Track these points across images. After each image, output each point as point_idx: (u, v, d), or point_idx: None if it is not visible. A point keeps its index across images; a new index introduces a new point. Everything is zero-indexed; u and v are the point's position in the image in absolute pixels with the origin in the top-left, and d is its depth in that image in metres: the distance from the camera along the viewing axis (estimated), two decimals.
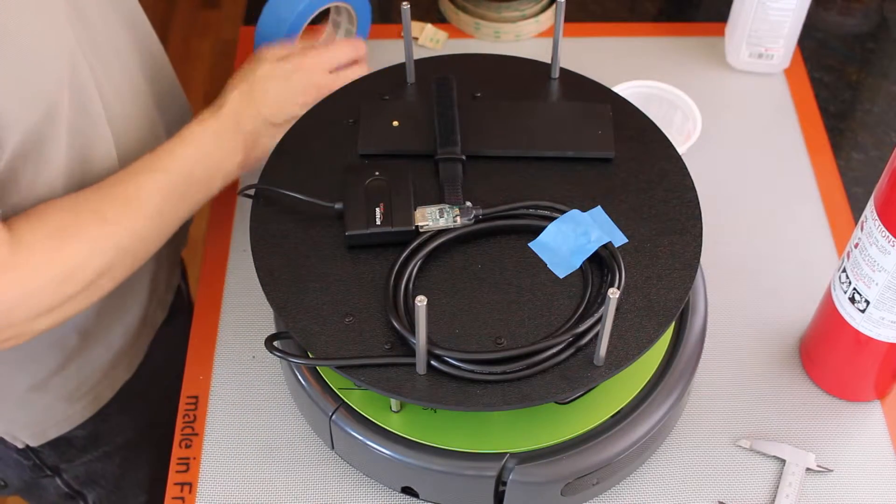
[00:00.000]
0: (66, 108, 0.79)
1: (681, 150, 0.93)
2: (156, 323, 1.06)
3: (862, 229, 0.80)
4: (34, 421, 0.99)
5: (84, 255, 0.78)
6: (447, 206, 0.81)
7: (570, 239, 0.80)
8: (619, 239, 0.81)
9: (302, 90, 0.93)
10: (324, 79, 0.95)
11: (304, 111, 0.91)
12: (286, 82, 0.93)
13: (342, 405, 0.81)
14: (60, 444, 1.02)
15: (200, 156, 0.86)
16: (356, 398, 0.81)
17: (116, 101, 0.87)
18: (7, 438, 1.00)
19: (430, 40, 1.20)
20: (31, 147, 0.78)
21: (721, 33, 1.20)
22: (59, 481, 1.08)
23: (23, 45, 0.73)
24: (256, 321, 0.96)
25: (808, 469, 0.86)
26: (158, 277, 1.04)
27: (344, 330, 0.77)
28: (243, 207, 1.05)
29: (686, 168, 0.86)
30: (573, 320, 0.76)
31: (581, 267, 0.79)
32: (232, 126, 0.88)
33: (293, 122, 0.90)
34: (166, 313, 1.08)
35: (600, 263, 0.80)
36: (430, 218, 0.80)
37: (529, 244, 0.81)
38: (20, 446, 1.00)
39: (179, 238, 1.09)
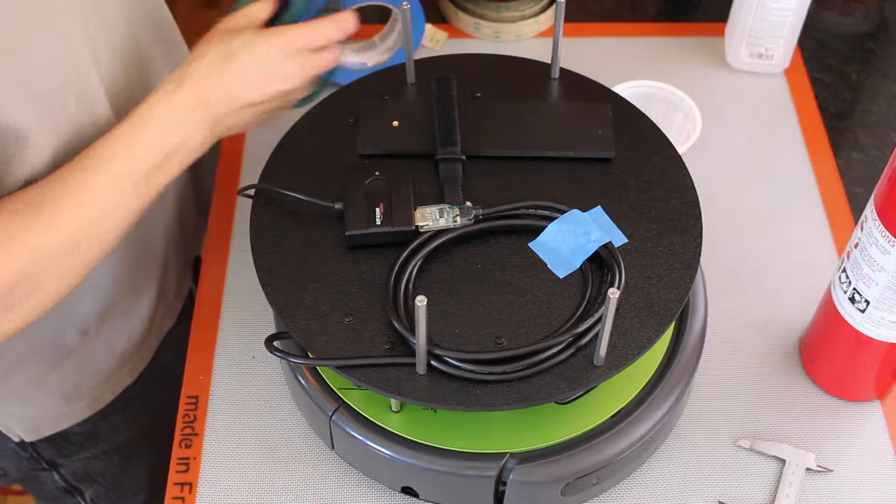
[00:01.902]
0: (71, 111, 0.79)
1: (681, 150, 0.93)
2: (163, 329, 1.05)
3: (862, 229, 0.80)
4: (30, 416, 0.99)
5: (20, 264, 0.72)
6: (447, 206, 0.81)
7: (570, 239, 0.80)
8: (619, 239, 0.81)
9: (290, 70, 0.81)
10: (309, 60, 0.81)
11: (290, 87, 0.81)
12: (266, 58, 0.80)
13: (342, 405, 0.81)
14: (57, 440, 1.02)
15: (158, 140, 0.77)
16: (356, 398, 0.81)
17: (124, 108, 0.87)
18: (3, 430, 1.00)
19: (430, 40, 1.20)
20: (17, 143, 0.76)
21: (721, 33, 1.20)
22: (56, 476, 1.08)
23: (27, 46, 0.73)
24: (256, 321, 0.96)
25: (808, 469, 0.86)
26: (167, 284, 1.03)
27: (344, 330, 0.77)
28: (243, 207, 1.05)
29: (686, 168, 0.86)
30: (573, 320, 0.76)
31: (581, 267, 0.79)
32: (196, 104, 0.78)
33: (279, 100, 0.82)
34: (175, 320, 1.07)
35: (600, 263, 0.80)
36: (430, 218, 0.80)
37: (529, 244, 0.81)
38: (16, 440, 1.00)
39: (190, 245, 1.08)
